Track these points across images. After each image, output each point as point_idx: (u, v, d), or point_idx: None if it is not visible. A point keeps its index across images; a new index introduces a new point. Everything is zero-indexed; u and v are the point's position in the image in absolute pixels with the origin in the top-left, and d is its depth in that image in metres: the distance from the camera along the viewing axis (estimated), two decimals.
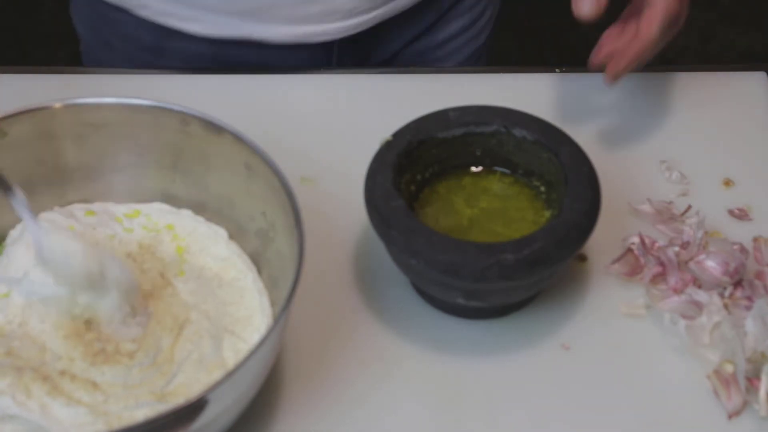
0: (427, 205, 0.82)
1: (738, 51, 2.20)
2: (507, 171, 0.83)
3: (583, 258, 0.84)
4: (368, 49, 1.04)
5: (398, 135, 0.81)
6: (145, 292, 0.74)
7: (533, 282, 0.77)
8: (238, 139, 0.76)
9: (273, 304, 0.76)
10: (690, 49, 2.21)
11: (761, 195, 0.88)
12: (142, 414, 0.69)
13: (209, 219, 0.81)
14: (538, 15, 2.05)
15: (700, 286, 0.80)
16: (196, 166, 0.80)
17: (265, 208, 0.77)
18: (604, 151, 0.83)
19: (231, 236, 0.80)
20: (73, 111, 0.79)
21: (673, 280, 0.81)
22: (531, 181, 0.83)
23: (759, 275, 0.81)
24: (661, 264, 0.81)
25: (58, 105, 0.78)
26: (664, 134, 0.92)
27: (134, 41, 1.04)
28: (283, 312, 0.68)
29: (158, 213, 0.81)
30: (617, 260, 0.82)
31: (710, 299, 0.79)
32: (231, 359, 0.73)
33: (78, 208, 0.81)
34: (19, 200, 0.71)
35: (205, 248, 0.79)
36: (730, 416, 0.75)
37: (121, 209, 0.81)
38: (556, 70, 0.97)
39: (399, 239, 0.76)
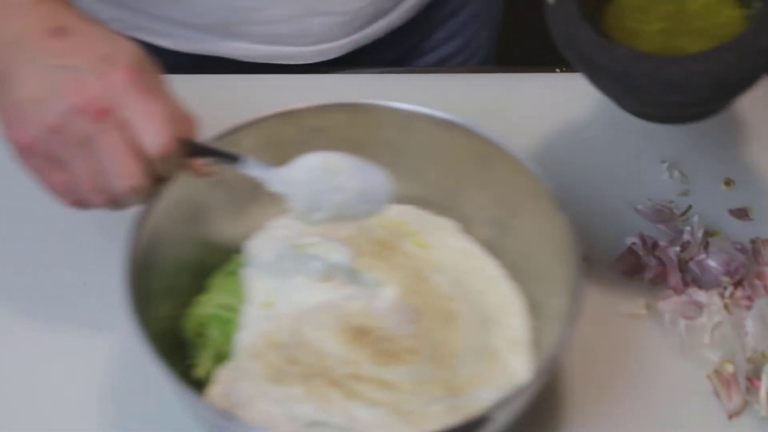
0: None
1: None
2: None
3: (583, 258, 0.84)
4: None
5: None
6: (406, 288, 0.73)
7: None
8: (469, 131, 0.76)
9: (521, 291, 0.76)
10: None
11: (761, 195, 0.88)
12: (436, 410, 0.68)
13: (435, 213, 0.80)
14: (537, 14, 2.05)
15: (700, 286, 0.80)
16: (417, 161, 0.79)
17: (503, 196, 0.76)
18: (605, 151, 0.83)
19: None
20: (295, 117, 0.78)
21: (673, 280, 0.81)
22: None
23: (759, 275, 0.81)
24: (662, 264, 0.81)
25: (281, 111, 0.78)
26: (664, 134, 0.92)
27: None
28: (574, 307, 0.68)
29: (388, 211, 0.78)
30: (617, 260, 0.82)
31: (710, 299, 0.79)
32: (503, 348, 0.73)
33: None
34: (251, 164, 0.71)
35: (443, 241, 0.79)
36: (730, 416, 0.75)
37: None
38: (556, 70, 0.97)
39: (606, 77, 0.71)
